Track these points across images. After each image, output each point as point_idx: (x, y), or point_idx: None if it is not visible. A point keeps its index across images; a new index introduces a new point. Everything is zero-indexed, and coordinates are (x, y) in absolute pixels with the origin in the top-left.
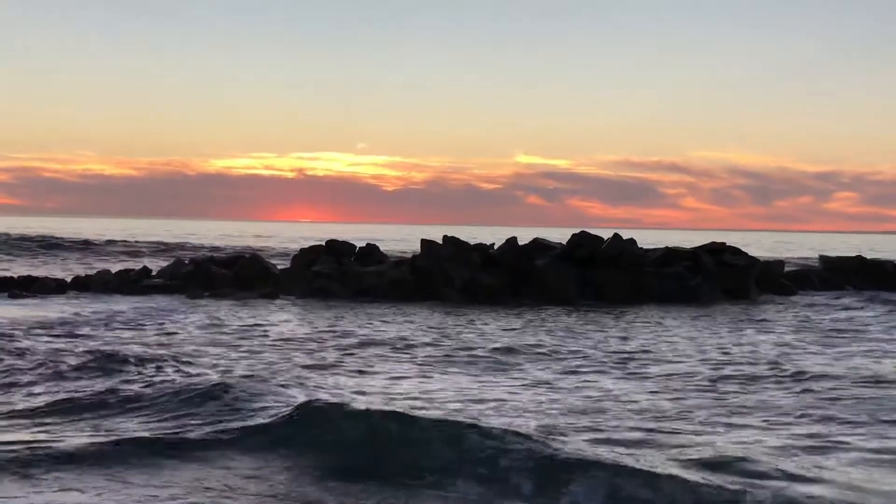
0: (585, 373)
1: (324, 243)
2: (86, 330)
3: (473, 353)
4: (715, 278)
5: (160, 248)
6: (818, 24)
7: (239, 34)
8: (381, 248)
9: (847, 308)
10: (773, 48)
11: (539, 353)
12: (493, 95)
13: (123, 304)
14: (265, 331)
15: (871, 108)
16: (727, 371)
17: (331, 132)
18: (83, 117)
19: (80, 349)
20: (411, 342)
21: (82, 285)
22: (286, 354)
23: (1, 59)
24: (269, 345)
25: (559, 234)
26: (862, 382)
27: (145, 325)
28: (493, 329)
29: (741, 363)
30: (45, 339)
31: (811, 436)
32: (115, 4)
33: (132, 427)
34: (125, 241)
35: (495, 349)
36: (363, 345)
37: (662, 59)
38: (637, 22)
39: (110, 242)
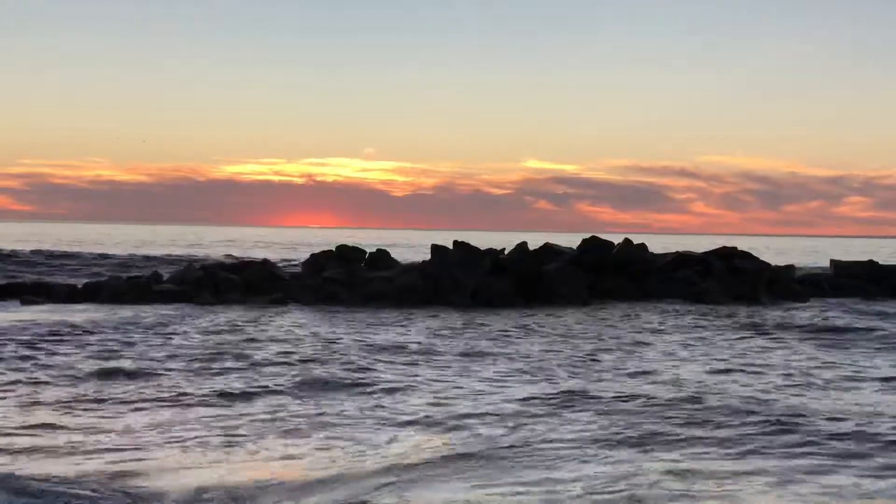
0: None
1: (334, 249)
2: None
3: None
4: (724, 283)
5: (173, 256)
6: (827, 27)
7: (247, 40)
8: (391, 254)
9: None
10: (782, 52)
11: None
12: (502, 100)
13: (122, 312)
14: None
15: (882, 112)
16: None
17: (339, 137)
18: (93, 123)
19: None
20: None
21: (93, 292)
22: None
23: (9, 66)
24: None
25: (569, 240)
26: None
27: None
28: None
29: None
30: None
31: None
32: (124, 12)
33: None
34: (132, 253)
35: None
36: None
37: (670, 63)
38: (645, 26)
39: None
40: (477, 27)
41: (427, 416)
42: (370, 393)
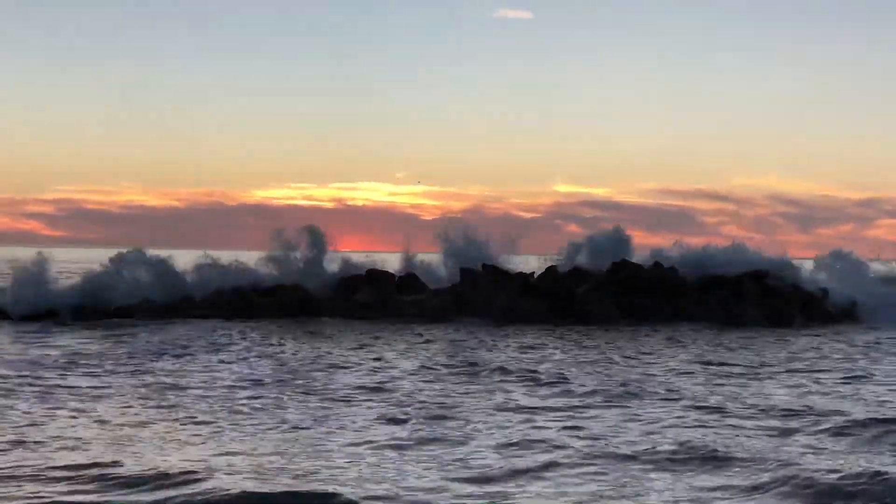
0: None
1: (364, 272)
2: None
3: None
4: (757, 305)
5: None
6: (860, 49)
7: (276, 66)
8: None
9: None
10: (815, 73)
11: None
12: (532, 124)
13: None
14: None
15: None
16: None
17: (370, 162)
18: (125, 149)
19: None
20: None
21: (125, 312)
22: None
23: (41, 93)
24: None
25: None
26: None
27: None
28: None
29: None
30: None
31: None
32: (153, 39)
33: None
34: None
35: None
36: None
37: (702, 85)
38: (676, 48)
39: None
40: (505, 53)
41: None
42: None
